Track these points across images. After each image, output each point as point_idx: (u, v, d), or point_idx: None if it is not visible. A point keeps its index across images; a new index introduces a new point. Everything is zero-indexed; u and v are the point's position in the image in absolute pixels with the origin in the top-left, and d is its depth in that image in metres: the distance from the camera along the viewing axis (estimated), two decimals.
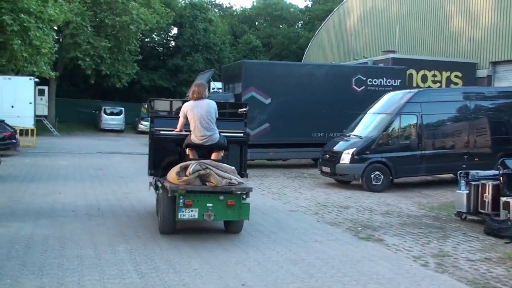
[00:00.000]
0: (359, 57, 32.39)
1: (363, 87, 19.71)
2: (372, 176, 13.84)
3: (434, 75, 24.97)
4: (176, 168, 7.90)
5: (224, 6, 66.72)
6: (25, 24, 21.91)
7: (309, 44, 44.12)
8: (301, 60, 42.26)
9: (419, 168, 14.39)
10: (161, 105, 9.99)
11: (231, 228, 8.51)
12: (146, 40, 50.71)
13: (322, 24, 42.29)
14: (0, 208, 9.97)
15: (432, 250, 7.80)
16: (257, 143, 18.69)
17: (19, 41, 22.00)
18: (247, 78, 18.53)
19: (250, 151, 18.33)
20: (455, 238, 8.68)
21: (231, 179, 7.86)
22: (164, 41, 52.36)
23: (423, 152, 14.24)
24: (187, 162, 8.03)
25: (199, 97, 8.38)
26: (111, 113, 41.88)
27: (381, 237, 8.59)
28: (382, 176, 13.89)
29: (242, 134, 9.01)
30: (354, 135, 14.87)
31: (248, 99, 18.37)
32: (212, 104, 8.44)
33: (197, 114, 8.20)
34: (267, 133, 18.72)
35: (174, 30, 51.62)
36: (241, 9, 65.03)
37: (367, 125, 15.10)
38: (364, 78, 19.73)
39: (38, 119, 33.88)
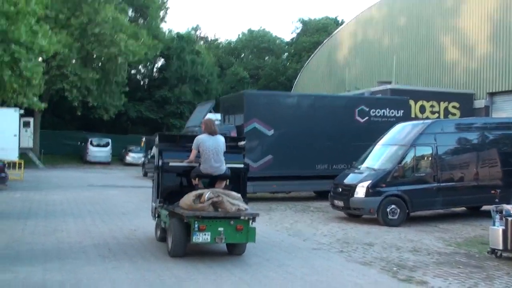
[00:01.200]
0: (351, 88, 32.29)
1: (367, 117, 19.33)
2: (388, 210, 13.26)
3: (432, 106, 24.78)
4: (192, 196, 8.67)
5: (210, 39, 66.84)
6: (15, 55, 21.22)
7: (299, 75, 44.09)
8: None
9: (435, 202, 13.87)
10: (167, 138, 10.89)
11: (235, 251, 9.21)
12: (132, 71, 50.24)
13: (312, 56, 42.34)
14: (2, 249, 9.13)
15: None
16: (260, 176, 18.12)
17: (10, 72, 21.25)
18: (249, 109, 18.01)
19: (253, 184, 18.03)
20: (500, 279, 8.09)
21: (239, 206, 8.68)
22: (151, 72, 51.91)
23: (439, 184, 13.75)
24: (201, 191, 8.80)
25: (212, 132, 9.33)
26: (98, 145, 41.00)
27: (422, 278, 7.96)
28: (399, 210, 13.33)
29: (243, 165, 10.07)
30: (367, 167, 14.34)
31: (251, 131, 17.88)
32: (223, 139, 9.44)
33: (209, 147, 9.14)
34: (270, 165, 18.13)
35: (161, 62, 51.30)
36: (227, 41, 65.18)
37: (379, 157, 14.61)
38: (367, 109, 19.37)
39: (22, 152, 32.88)
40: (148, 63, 49.97)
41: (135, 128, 50.16)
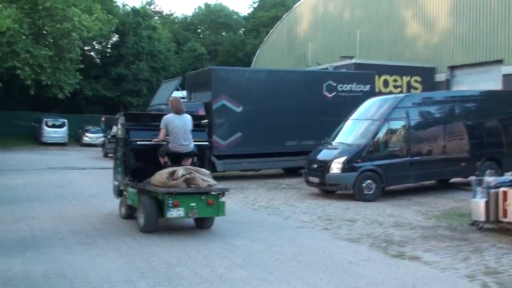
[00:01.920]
0: (312, 64, 32.18)
1: (334, 93, 19.26)
2: (363, 185, 13.26)
3: (395, 80, 24.96)
4: (165, 174, 8.93)
5: (164, 13, 65.32)
6: None
7: (258, 51, 43.66)
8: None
9: (409, 175, 13.96)
10: (133, 117, 10.98)
11: (204, 225, 9.62)
12: (86, 48, 48.57)
13: (271, 31, 41.92)
14: None
15: (478, 267, 7.19)
16: (230, 154, 17.84)
17: None
18: (216, 86, 17.61)
19: (223, 162, 17.84)
20: (489, 251, 8.14)
21: (209, 182, 9.13)
22: (105, 49, 50.33)
23: (412, 158, 13.83)
24: (173, 168, 9.08)
25: (179, 111, 9.66)
26: (53, 126, 39.65)
27: (413, 254, 7.92)
28: (374, 185, 13.34)
29: (208, 142, 10.58)
30: (340, 143, 14.25)
31: (219, 108, 17.54)
32: (190, 117, 9.78)
33: (178, 126, 9.47)
34: (240, 142, 17.86)
35: (116, 38, 49.76)
36: (183, 16, 63.86)
37: (352, 132, 14.57)
38: (335, 84, 19.28)
39: None
40: (103, 40, 48.36)
41: (90, 107, 48.77)
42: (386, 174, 13.46)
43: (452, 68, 25.36)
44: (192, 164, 9.84)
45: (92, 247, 8.14)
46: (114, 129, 30.26)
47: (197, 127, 10.34)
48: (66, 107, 45.50)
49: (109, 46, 50.50)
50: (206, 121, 11.07)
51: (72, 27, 36.09)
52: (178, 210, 8.78)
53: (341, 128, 15.06)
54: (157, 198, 9.02)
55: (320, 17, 35.01)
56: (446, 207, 12.46)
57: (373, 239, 8.93)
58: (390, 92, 23.77)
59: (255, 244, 8.45)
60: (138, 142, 9.85)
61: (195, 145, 9.85)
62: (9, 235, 8.97)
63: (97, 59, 51.01)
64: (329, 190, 14.11)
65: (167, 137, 9.64)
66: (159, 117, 10.05)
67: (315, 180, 13.93)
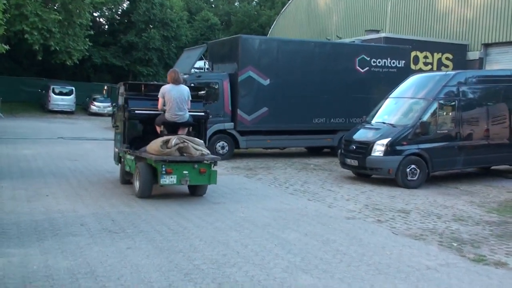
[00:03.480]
0: (333, 38, 30.74)
1: (367, 68, 17.92)
2: (407, 170, 12.06)
3: (425, 57, 23.50)
4: (159, 142, 9.23)
5: None
6: None
7: (274, 22, 42.02)
8: None
9: (457, 161, 12.74)
10: (133, 87, 11.06)
11: (197, 192, 10.00)
12: (95, 14, 46.94)
13: (289, 2, 40.17)
14: None
15: None
16: (255, 130, 16.66)
17: None
18: (244, 56, 16.29)
19: (246, 138, 16.63)
20: None
21: (202, 151, 9.43)
22: (116, 15, 48.70)
23: (461, 142, 12.61)
24: (167, 137, 9.36)
25: (176, 82, 9.88)
26: (61, 93, 38.26)
27: (495, 257, 6.79)
28: (418, 170, 12.15)
29: (203, 113, 10.76)
30: (382, 122, 13.01)
31: (245, 80, 16.33)
32: (186, 88, 10.06)
33: (173, 96, 9.72)
34: (265, 118, 16.63)
35: (126, 4, 48.12)
36: None
37: (395, 111, 13.32)
38: (368, 58, 17.92)
39: None
40: (113, 6, 46.69)
41: (99, 75, 47.38)
42: (432, 159, 12.25)
43: (487, 45, 23.86)
44: (188, 134, 10.12)
45: (121, 237, 7.01)
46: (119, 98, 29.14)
47: (194, 98, 10.65)
48: (73, 74, 44.19)
49: (119, 12, 48.86)
50: (203, 92, 11.31)
51: None
52: (171, 177, 9.15)
53: (381, 107, 13.80)
54: (152, 166, 9.40)
55: None
56: (501, 198, 11.31)
57: (439, 237, 7.78)
58: (420, 70, 22.32)
59: (309, 239, 7.31)
60: (136, 111, 10.23)
61: (191, 115, 10.14)
62: (24, 218, 7.85)
63: (107, 26, 49.45)
64: (366, 173, 12.93)
65: (165, 107, 9.93)
66: (159, 87, 10.25)
67: (354, 162, 12.73)
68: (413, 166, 12.10)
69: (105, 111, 37.24)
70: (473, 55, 24.05)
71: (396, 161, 12.03)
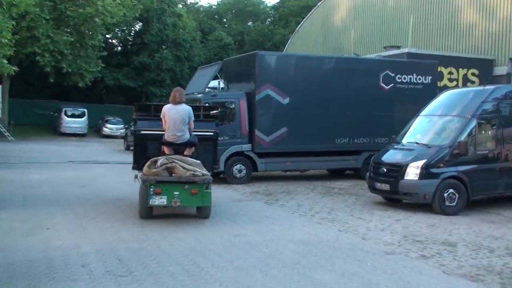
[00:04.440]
0: (349, 55, 29.78)
1: (392, 84, 16.87)
2: (445, 195, 10.94)
3: (450, 73, 22.51)
4: (148, 162, 9.30)
5: (189, 2, 63.09)
6: None
7: (289, 41, 41.34)
8: None
9: (498, 184, 11.56)
10: (142, 108, 11.30)
11: (201, 213, 9.74)
12: (108, 36, 46.56)
13: (304, 20, 39.53)
14: None
15: None
16: (274, 152, 15.64)
17: None
18: (262, 74, 15.35)
19: (264, 161, 15.58)
20: None
21: (195, 171, 9.20)
22: (128, 37, 48.29)
23: (504, 163, 11.47)
24: (157, 158, 9.36)
25: (176, 102, 9.71)
26: (73, 115, 37.70)
27: None
28: (457, 195, 11.01)
29: (212, 133, 10.57)
30: (415, 142, 11.92)
31: (263, 99, 15.39)
32: (187, 108, 9.77)
33: (171, 117, 9.60)
34: (285, 139, 15.61)
35: (139, 25, 47.71)
36: (208, 5, 61.68)
37: (428, 130, 12.24)
38: (393, 74, 16.87)
39: None
40: (126, 28, 46.30)
41: (111, 97, 46.88)
42: (472, 182, 11.10)
43: None
44: (191, 154, 9.84)
45: (127, 282, 5.99)
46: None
47: (205, 118, 10.81)
48: (86, 96, 43.66)
49: (132, 34, 48.47)
50: (215, 111, 11.11)
51: (95, 12, 34.22)
52: (161, 198, 9.04)
53: (412, 125, 12.72)
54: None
55: (359, 4, 32.52)
56: None
57: (499, 277, 6.66)
58: (445, 86, 21.24)
59: (347, 282, 6.23)
60: (142, 132, 10.35)
61: (197, 135, 9.98)
62: (18, 257, 6.86)
63: (119, 47, 49.05)
64: (398, 199, 11.80)
65: None
66: None
67: (385, 187, 11.61)
68: (451, 190, 10.96)
69: (118, 133, 36.53)
70: (500, 70, 22.99)
71: (432, 185, 10.91)
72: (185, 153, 9.73)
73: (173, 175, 9.11)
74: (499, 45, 23.22)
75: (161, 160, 9.13)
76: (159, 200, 9.04)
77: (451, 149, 11.08)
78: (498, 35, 23.22)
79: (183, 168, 9.10)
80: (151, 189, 9.01)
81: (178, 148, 9.80)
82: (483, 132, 11.57)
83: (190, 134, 9.79)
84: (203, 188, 9.19)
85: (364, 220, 10.20)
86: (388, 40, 28.55)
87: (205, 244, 7.86)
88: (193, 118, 9.80)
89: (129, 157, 23.30)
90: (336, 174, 17.82)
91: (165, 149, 9.85)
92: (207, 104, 13.65)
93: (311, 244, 8.05)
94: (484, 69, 22.95)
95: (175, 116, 9.56)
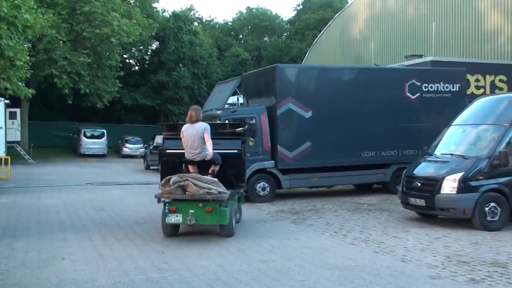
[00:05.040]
0: (370, 65, 29.12)
1: (418, 94, 16.17)
2: (486, 209, 10.17)
3: (477, 80, 21.71)
4: (163, 180, 9.42)
5: (204, 20, 63.14)
6: None
7: (307, 54, 40.82)
8: None
9: None
10: (170, 128, 11.55)
11: (222, 232, 9.60)
12: (125, 56, 46.60)
13: (322, 32, 39.03)
14: None
15: None
16: (298, 168, 15.00)
17: None
18: (282, 87, 14.80)
19: (289, 177, 14.92)
20: None
21: (210, 189, 9.09)
22: (145, 56, 48.27)
23: None
24: (172, 176, 9.30)
25: (193, 120, 9.77)
26: (92, 136, 37.47)
27: None
28: (499, 209, 10.24)
29: (236, 151, 10.37)
30: (450, 154, 11.18)
31: (285, 113, 14.81)
32: (203, 126, 9.73)
33: (188, 135, 9.72)
34: (309, 154, 14.98)
35: (155, 44, 47.71)
36: (223, 21, 61.54)
37: (462, 140, 11.50)
38: (419, 84, 16.18)
39: (9, 146, 29.50)
40: (142, 47, 46.29)
41: (130, 116, 46.72)
42: None
43: None
44: (212, 172, 9.82)
45: None
46: (157, 139, 27.95)
47: (231, 135, 10.75)
48: (104, 117, 43.54)
49: (148, 53, 48.46)
50: (241, 129, 10.80)
51: (111, 32, 34.16)
52: (176, 216, 9.11)
53: (444, 136, 12.00)
54: None
55: (378, 14, 31.91)
56: None
57: None
58: (472, 94, 20.44)
59: None
60: (166, 150, 10.59)
61: (220, 153, 9.92)
62: None
63: (137, 67, 49.04)
64: (435, 214, 11.04)
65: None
66: None
67: (419, 202, 10.88)
68: (492, 204, 10.20)
69: (138, 153, 36.22)
70: None
71: (472, 199, 10.16)
72: (209, 171, 9.78)
73: (186, 193, 9.09)
74: None
75: (174, 178, 9.16)
76: (174, 218, 9.12)
77: (490, 160, 10.33)
78: None
79: (196, 186, 9.05)
80: (166, 207, 9.16)
81: (202, 166, 9.82)
82: None
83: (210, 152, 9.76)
84: (219, 206, 9.08)
85: (401, 239, 9.48)
86: (409, 49, 27.86)
87: (231, 273, 7.21)
88: (209, 134, 9.70)
89: (149, 177, 23.10)
90: (363, 188, 17.12)
91: (190, 168, 9.94)
92: (227, 121, 13.24)
93: (346, 269, 7.36)
94: (511, 75, 22.09)
95: (192, 134, 9.64)
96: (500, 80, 22.04)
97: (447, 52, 25.65)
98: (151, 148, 27.95)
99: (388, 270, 7.34)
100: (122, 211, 13.07)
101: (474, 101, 12.50)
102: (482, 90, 21.59)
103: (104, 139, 37.54)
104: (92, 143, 37.14)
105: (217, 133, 10.50)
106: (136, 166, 29.85)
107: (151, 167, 27.64)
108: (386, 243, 9.13)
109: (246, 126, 11.72)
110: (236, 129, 10.82)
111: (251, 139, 13.38)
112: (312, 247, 8.85)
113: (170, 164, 10.45)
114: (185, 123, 10.03)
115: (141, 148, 35.53)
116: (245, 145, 10.85)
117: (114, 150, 39.68)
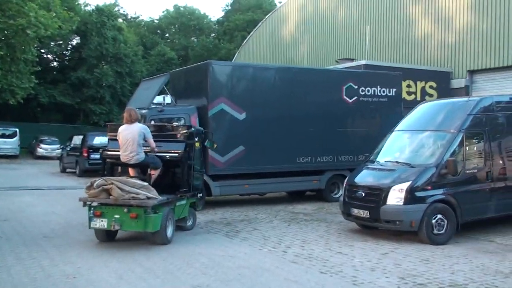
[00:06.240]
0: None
1: (355, 97, 15.55)
2: (433, 221, 9.51)
3: (408, 85, 21.47)
4: (88, 183, 9.03)
5: (130, 17, 60.70)
6: None
7: (235, 55, 39.93)
8: None
9: (488, 207, 10.26)
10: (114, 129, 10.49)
11: (153, 239, 9.08)
12: (42, 51, 43.68)
13: (251, 34, 38.27)
14: None
15: None
16: (229, 174, 13.91)
17: None
18: (215, 86, 13.66)
19: (219, 184, 13.76)
20: None
21: (137, 194, 8.63)
22: (65, 51, 45.49)
23: (494, 183, 10.19)
24: (96, 179, 9.02)
25: (129, 121, 9.48)
26: (3, 135, 34.81)
27: None
28: (446, 221, 9.62)
29: (176, 154, 9.86)
30: (395, 162, 10.48)
31: (217, 114, 13.64)
32: (139, 127, 9.47)
33: (124, 137, 9.40)
34: (241, 159, 13.95)
35: (76, 39, 45.08)
36: (149, 19, 59.43)
37: (409, 147, 10.85)
38: (356, 87, 15.56)
39: None
40: (62, 41, 43.55)
41: (46, 115, 43.87)
42: (461, 205, 9.74)
43: (472, 72, 22.09)
44: (148, 176, 9.47)
45: None
46: (75, 140, 25.93)
47: (171, 137, 10.18)
48: (19, 114, 40.50)
49: (69, 48, 45.71)
50: (186, 131, 10.10)
51: (27, 24, 31.45)
52: (101, 220, 8.74)
53: (387, 142, 11.32)
54: None
55: (309, 17, 31.45)
56: None
57: None
58: (404, 99, 20.19)
59: None
60: (107, 152, 10.23)
61: (159, 156, 9.67)
62: None
63: (55, 62, 46.16)
64: (378, 227, 10.27)
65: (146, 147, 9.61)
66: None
67: (364, 214, 10.06)
68: (439, 216, 9.55)
69: (53, 154, 33.89)
70: (458, 83, 22.26)
71: (419, 210, 9.45)
72: (152, 173, 9.50)
73: (110, 197, 8.70)
74: (455, 57, 22.51)
75: (98, 181, 8.83)
76: (99, 223, 8.74)
77: (438, 169, 9.68)
78: (454, 47, 22.52)
79: (122, 190, 8.61)
80: (91, 211, 8.78)
81: (142, 169, 9.65)
82: (471, 148, 10.26)
83: (147, 154, 9.50)
84: (144, 212, 8.58)
85: (346, 256, 8.59)
86: (340, 53, 27.55)
87: None
88: (150, 136, 9.48)
89: (65, 181, 21.16)
90: (296, 196, 16.29)
91: (130, 171, 9.77)
92: (153, 122, 12.08)
93: None
94: (441, 82, 22.15)
95: (127, 136, 9.34)
96: (430, 87, 22.02)
97: (378, 57, 25.51)
98: (68, 149, 25.94)
99: None
100: (29, 222, 11.42)
101: (417, 105, 11.95)
102: (413, 96, 21.45)
103: (16, 138, 34.89)
104: (3, 143, 34.50)
105: (160, 135, 10.12)
106: (51, 169, 27.68)
107: (68, 170, 25.64)
108: (331, 261, 8.20)
109: (205, 130, 11.61)
110: (182, 132, 10.11)
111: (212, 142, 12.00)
112: (251, 267, 7.76)
113: (111, 166, 10.21)
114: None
115: (58, 149, 33.27)
116: (191, 149, 10.08)
117: (28, 151, 37.03)
